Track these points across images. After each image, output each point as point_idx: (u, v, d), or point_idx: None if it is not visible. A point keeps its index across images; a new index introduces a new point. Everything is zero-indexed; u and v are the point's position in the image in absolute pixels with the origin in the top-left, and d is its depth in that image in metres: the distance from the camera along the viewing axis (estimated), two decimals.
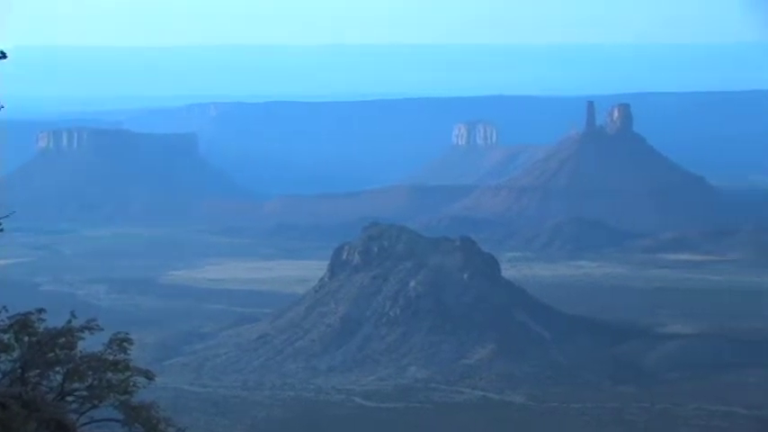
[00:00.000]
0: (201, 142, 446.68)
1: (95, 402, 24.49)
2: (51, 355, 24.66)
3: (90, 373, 24.52)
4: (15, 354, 24.64)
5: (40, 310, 24.99)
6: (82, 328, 25.10)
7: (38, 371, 24.51)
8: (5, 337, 24.61)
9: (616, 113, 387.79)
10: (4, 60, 24.25)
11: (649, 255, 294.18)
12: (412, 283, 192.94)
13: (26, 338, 24.70)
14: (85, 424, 24.35)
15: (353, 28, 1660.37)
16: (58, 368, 24.58)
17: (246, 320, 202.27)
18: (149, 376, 25.06)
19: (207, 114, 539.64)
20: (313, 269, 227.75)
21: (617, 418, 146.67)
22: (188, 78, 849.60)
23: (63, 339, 24.77)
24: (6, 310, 24.73)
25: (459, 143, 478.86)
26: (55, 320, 25.10)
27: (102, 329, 25.18)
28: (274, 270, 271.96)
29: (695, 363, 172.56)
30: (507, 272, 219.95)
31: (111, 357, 24.77)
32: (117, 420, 24.32)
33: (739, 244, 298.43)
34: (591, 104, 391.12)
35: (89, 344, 25.18)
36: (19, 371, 24.43)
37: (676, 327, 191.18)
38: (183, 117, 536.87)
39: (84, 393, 24.48)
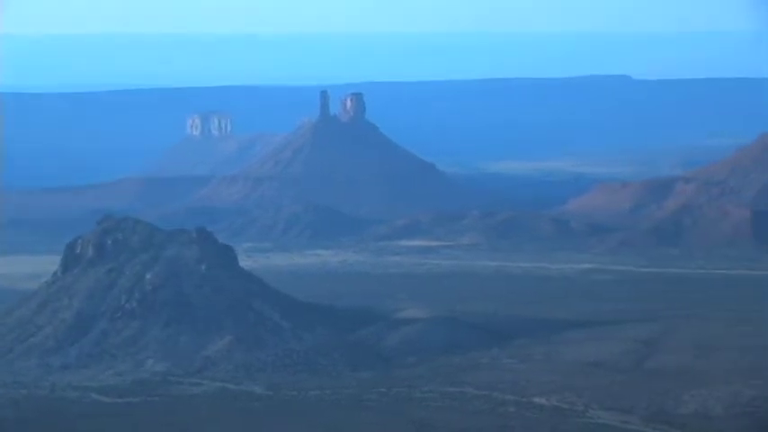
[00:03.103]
0: None
1: None
2: None
3: None
4: None
5: None
6: None
7: None
8: None
9: (349, 103, 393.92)
10: None
11: (384, 242, 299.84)
12: (148, 276, 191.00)
13: None
14: None
15: (86, 16, 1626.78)
16: None
17: None
18: None
19: None
20: (45, 264, 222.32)
21: (354, 403, 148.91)
22: None
23: None
24: None
25: (194, 134, 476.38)
26: None
27: None
28: (3, 266, 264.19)
29: (430, 346, 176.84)
30: (245, 262, 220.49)
31: None
32: None
33: (468, 229, 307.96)
34: (324, 93, 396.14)
35: None
36: None
37: (412, 311, 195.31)
38: None
39: None
